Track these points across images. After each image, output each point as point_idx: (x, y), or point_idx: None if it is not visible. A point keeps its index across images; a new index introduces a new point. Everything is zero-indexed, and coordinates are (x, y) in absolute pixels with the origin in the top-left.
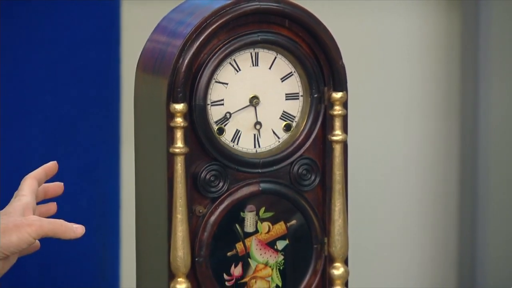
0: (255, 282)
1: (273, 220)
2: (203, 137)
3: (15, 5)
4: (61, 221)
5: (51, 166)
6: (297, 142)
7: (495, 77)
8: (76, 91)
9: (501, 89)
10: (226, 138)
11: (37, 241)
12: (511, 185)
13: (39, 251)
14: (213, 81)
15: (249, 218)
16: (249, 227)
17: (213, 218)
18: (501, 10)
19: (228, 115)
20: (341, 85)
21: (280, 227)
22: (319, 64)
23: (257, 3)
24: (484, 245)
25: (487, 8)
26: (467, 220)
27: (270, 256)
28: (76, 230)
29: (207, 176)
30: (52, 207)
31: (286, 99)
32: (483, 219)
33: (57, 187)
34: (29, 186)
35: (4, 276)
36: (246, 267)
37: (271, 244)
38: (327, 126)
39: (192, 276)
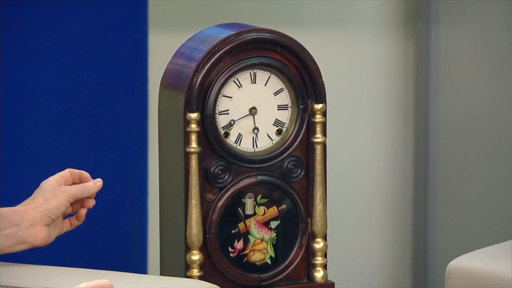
0: (253, 253)
1: (268, 205)
2: (213, 139)
3: (58, 31)
4: (83, 184)
5: (88, 177)
6: (287, 143)
7: (443, 92)
8: (113, 103)
9: (448, 101)
10: (231, 140)
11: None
12: (454, 180)
13: (82, 231)
14: (220, 95)
15: (249, 203)
16: (248, 210)
17: (220, 203)
18: (448, 39)
19: (232, 122)
20: (321, 98)
21: (273, 210)
22: (304, 81)
23: (255, 33)
24: (434, 220)
25: (436, 36)
26: (420, 203)
27: (265, 233)
28: (96, 184)
29: (216, 170)
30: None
31: (278, 109)
32: (433, 201)
33: (88, 180)
34: (62, 173)
35: (48, 251)
36: (246, 242)
37: (266, 224)
38: (310, 131)
39: (203, 249)
